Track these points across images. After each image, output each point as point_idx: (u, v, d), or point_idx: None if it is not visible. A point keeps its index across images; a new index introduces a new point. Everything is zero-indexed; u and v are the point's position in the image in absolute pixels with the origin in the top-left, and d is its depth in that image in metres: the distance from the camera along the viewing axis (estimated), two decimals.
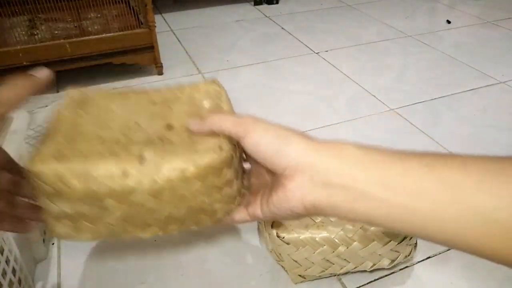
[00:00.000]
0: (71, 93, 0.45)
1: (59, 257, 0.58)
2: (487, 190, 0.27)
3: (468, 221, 0.28)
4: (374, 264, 0.52)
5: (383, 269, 0.55)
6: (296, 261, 0.51)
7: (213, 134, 0.38)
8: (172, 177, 0.35)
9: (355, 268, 0.52)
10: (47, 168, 0.35)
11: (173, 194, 0.36)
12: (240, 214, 0.41)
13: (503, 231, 0.27)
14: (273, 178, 0.38)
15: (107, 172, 0.35)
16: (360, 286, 0.54)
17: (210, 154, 0.36)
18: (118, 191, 0.35)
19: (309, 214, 0.36)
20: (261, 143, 0.36)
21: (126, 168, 0.35)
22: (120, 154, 0.36)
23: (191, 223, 0.39)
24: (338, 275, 0.55)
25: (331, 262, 0.51)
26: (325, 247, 0.50)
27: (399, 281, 0.54)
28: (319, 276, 0.53)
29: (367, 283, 0.54)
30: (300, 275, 0.52)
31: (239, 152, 0.40)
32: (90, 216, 0.37)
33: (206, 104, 0.45)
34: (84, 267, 0.56)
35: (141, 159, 0.35)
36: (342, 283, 0.54)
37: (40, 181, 0.35)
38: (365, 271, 0.54)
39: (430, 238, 0.31)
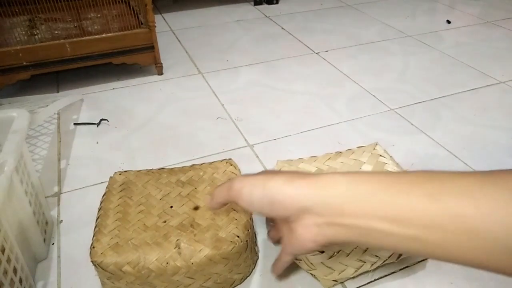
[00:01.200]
0: (116, 178, 0.56)
1: (59, 256, 0.58)
2: (495, 219, 0.27)
3: (481, 247, 0.28)
4: (400, 255, 0.52)
5: (383, 268, 0.55)
6: (330, 267, 0.50)
7: (223, 206, 0.45)
8: (202, 263, 0.45)
9: (383, 262, 0.52)
10: (107, 259, 0.45)
11: (203, 273, 0.46)
12: (281, 260, 0.44)
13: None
14: (283, 222, 0.40)
15: (154, 262, 0.45)
16: (360, 286, 0.54)
17: (230, 245, 0.46)
18: (162, 275, 0.45)
19: (326, 248, 0.40)
20: (253, 200, 0.38)
21: (168, 259, 0.45)
22: (162, 243, 0.46)
23: None
24: (369, 271, 0.54)
25: (363, 261, 0.51)
26: (357, 247, 0.50)
27: (399, 281, 0.54)
28: (353, 277, 0.53)
29: (367, 283, 0.54)
30: (333, 280, 0.52)
31: (251, 226, 0.49)
32: None
33: None
34: (84, 267, 0.56)
35: (178, 248, 0.45)
36: (342, 283, 0.54)
37: (102, 268, 0.45)
38: (367, 270, 0.54)
39: (442, 260, 0.32)
